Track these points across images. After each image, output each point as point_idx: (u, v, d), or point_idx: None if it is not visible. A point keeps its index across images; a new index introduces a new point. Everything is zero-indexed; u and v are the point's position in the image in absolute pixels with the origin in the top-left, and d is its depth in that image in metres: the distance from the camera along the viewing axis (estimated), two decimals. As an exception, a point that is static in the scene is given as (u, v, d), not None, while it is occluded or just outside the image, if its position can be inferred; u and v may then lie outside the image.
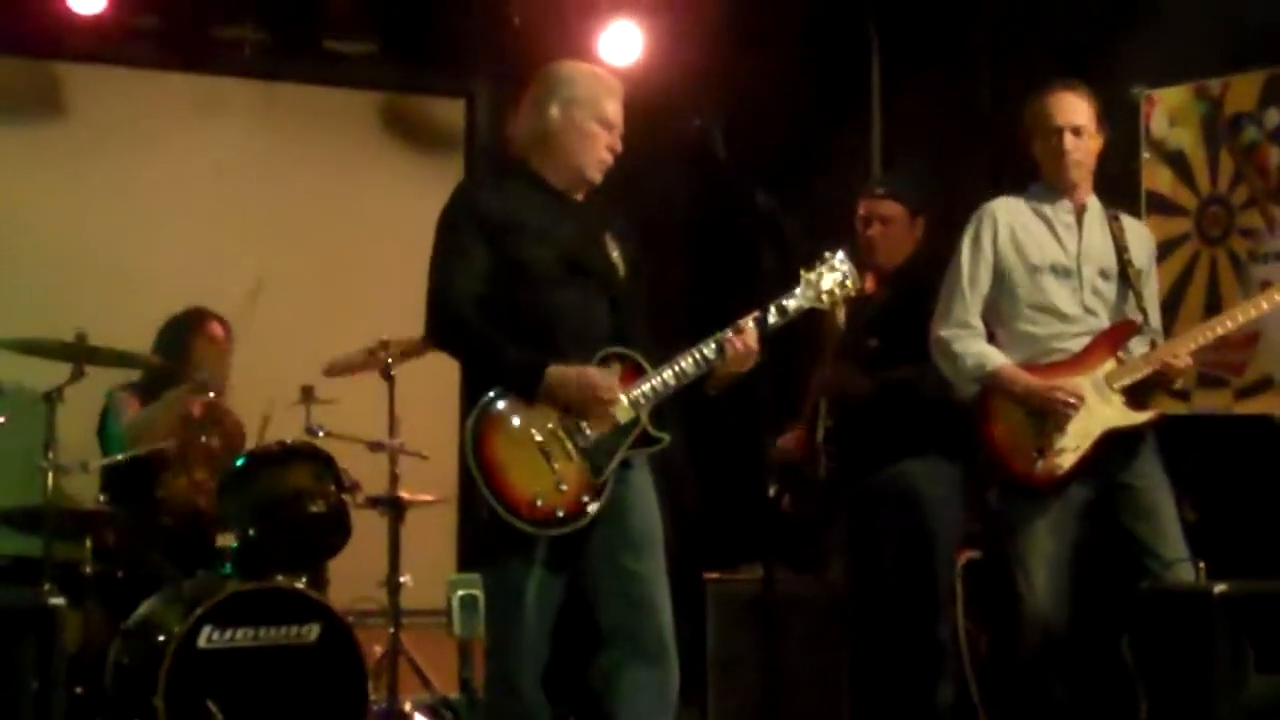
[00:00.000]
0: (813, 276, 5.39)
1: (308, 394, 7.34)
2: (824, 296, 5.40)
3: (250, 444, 7.29)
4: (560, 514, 5.07)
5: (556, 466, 5.08)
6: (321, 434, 7.23)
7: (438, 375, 7.37)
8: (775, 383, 5.53)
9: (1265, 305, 5.92)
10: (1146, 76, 7.23)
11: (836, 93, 8.80)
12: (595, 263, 5.26)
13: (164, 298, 7.77)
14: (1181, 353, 5.85)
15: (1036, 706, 5.95)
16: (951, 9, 8.22)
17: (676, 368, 5.20)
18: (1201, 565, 5.69)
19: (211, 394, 7.34)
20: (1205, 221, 7.13)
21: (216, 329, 7.59)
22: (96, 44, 8.39)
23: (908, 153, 8.38)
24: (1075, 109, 5.92)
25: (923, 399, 6.42)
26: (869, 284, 6.69)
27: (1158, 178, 7.22)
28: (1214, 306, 6.98)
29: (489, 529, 5.09)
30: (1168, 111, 7.27)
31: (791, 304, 5.36)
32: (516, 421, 5.09)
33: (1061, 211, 5.99)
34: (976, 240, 6.03)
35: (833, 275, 5.41)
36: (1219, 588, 5.35)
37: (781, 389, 6.31)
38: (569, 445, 5.10)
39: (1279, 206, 6.89)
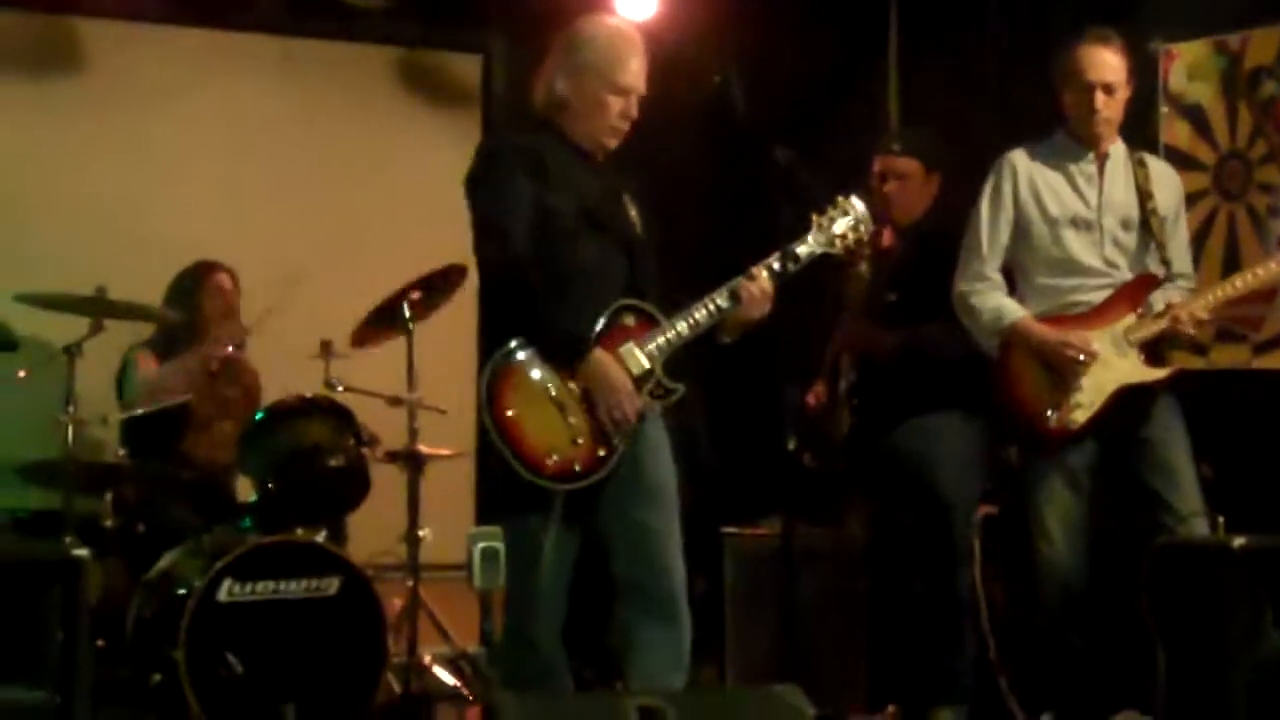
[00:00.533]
0: (824, 221, 5.41)
1: (326, 348, 7.33)
2: (836, 241, 5.40)
3: (268, 398, 7.32)
4: (576, 468, 5.11)
5: (571, 421, 5.11)
6: (340, 388, 7.24)
7: (455, 330, 7.41)
8: (794, 336, 5.54)
9: (1278, 269, 5.93)
10: (1165, 31, 7.21)
11: (854, 48, 8.77)
12: (615, 219, 5.30)
13: (182, 252, 7.78)
14: (1197, 312, 5.84)
15: (1054, 661, 5.98)
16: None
17: (690, 318, 5.23)
18: (1220, 520, 5.70)
19: (231, 348, 7.36)
20: (1224, 176, 7.11)
21: (224, 280, 7.60)
22: (115, 0, 8.38)
23: (925, 108, 8.36)
24: (1108, 65, 5.90)
25: (944, 355, 6.42)
26: (886, 239, 6.70)
27: (1176, 132, 7.21)
28: (1232, 261, 6.98)
29: (504, 484, 5.11)
30: (1186, 66, 7.25)
31: (803, 249, 5.37)
32: (532, 376, 5.12)
33: (1083, 163, 5.99)
34: (996, 192, 6.04)
35: (845, 220, 5.41)
36: (1237, 541, 5.35)
37: (800, 342, 6.33)
38: (583, 400, 5.12)
39: (1298, 161, 6.89)
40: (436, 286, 7.19)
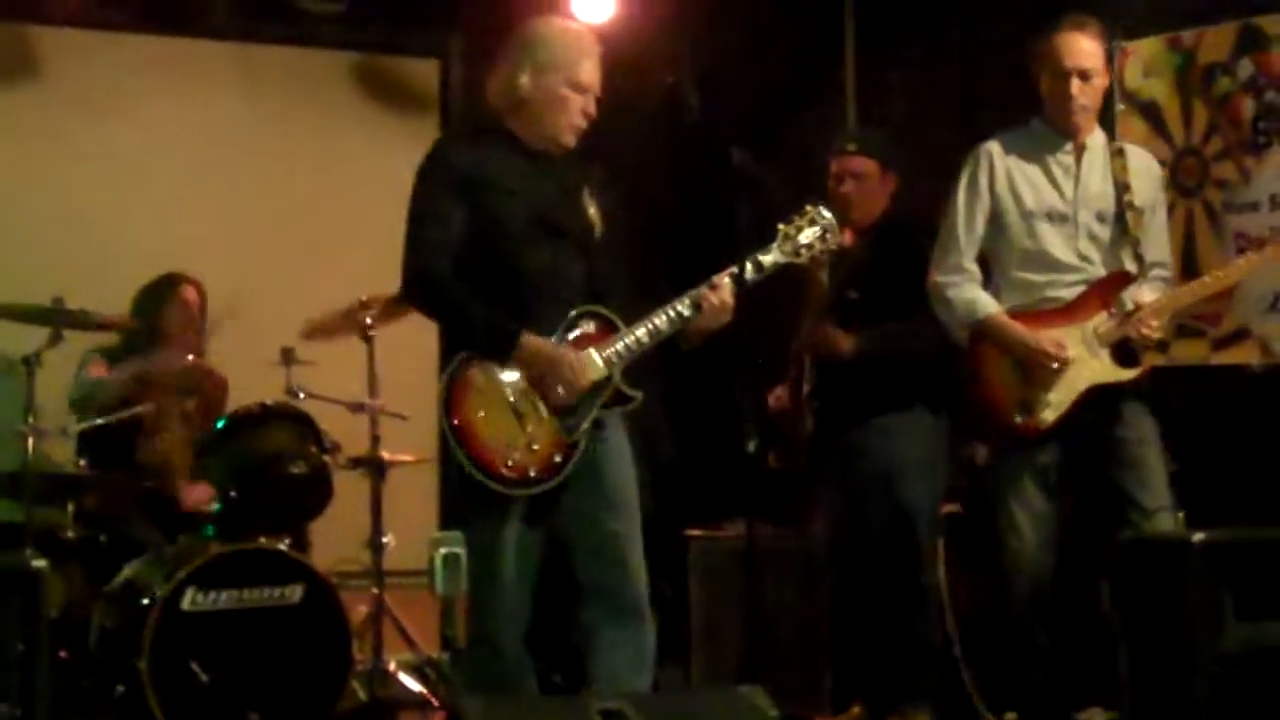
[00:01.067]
0: (791, 230, 5.40)
1: (288, 355, 7.31)
2: (802, 251, 5.40)
3: (231, 405, 7.30)
4: (532, 473, 5.11)
5: (529, 427, 5.11)
6: (302, 395, 7.23)
7: (417, 336, 7.35)
8: (753, 338, 5.54)
9: (1237, 271, 5.95)
10: (1119, 28, 7.21)
11: (811, 49, 8.78)
12: (569, 221, 5.28)
13: (142, 261, 7.77)
14: (1154, 323, 5.84)
15: (1020, 657, 5.98)
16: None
17: (650, 325, 5.22)
18: (1180, 515, 5.71)
19: (190, 356, 7.36)
20: (1180, 173, 7.14)
21: (190, 293, 7.59)
22: (71, 7, 8.36)
23: (882, 108, 8.37)
24: (1085, 52, 5.86)
25: (905, 352, 6.43)
26: (845, 239, 6.70)
27: (1132, 129, 7.22)
28: (1190, 257, 7.00)
29: (463, 490, 5.12)
30: (1141, 63, 7.28)
31: (768, 259, 5.36)
32: (489, 381, 5.12)
33: (1061, 153, 5.96)
34: (973, 183, 6.00)
35: (812, 230, 5.41)
36: (1197, 536, 5.35)
37: (761, 344, 6.33)
38: (541, 405, 5.13)
39: (1253, 157, 6.90)
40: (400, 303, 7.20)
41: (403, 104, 9.37)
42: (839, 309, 6.68)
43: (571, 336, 5.21)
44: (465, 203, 5.16)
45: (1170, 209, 6.91)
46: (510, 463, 5.08)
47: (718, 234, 5.45)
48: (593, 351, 5.19)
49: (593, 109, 5.33)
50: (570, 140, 5.33)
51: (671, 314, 5.23)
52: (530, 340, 5.10)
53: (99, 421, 7.04)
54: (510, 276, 5.17)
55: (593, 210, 5.35)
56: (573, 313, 5.21)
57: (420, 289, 5.23)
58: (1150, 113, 7.21)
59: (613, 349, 5.20)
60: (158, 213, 8.49)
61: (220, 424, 6.93)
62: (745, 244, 5.40)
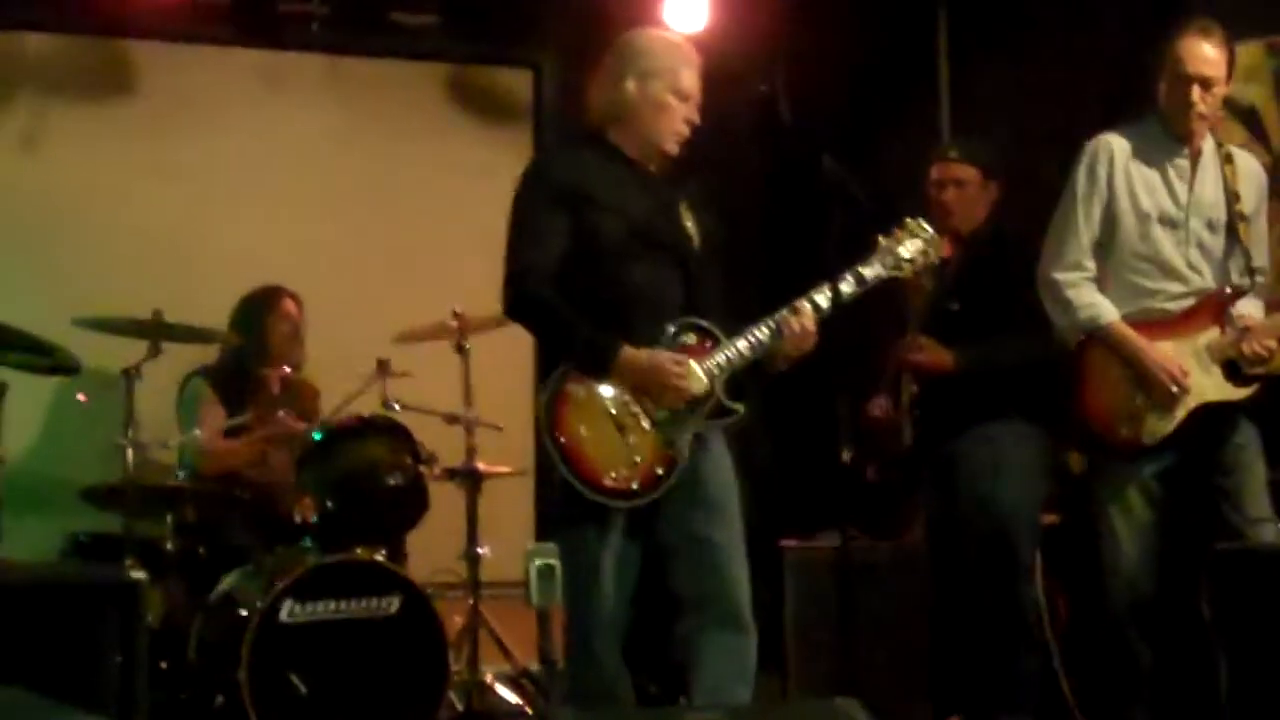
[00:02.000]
0: (891, 243, 5.40)
1: (383, 367, 7.35)
2: (904, 265, 5.40)
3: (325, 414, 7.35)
4: (635, 486, 5.11)
5: (631, 439, 5.11)
6: (397, 407, 7.26)
7: (512, 347, 7.40)
8: (849, 348, 5.51)
9: None
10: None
11: (904, 57, 8.76)
12: (668, 235, 5.29)
13: (236, 274, 7.84)
14: (1270, 342, 5.74)
15: (1122, 671, 5.92)
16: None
17: (751, 338, 5.22)
18: (1284, 526, 5.66)
19: (288, 368, 7.42)
20: (1278, 178, 7.07)
21: (290, 306, 7.65)
22: (164, 21, 8.41)
23: (976, 117, 8.33)
24: (1207, 59, 5.77)
25: (1007, 367, 6.38)
26: (945, 248, 6.66)
27: (1231, 135, 7.13)
28: (1289, 263, 6.94)
29: (564, 502, 5.12)
30: (1240, 68, 7.16)
31: (869, 272, 5.35)
32: (590, 395, 5.12)
33: (1177, 158, 5.88)
34: (1092, 175, 5.92)
35: (913, 243, 5.41)
36: (1301, 549, 5.33)
37: (857, 354, 6.31)
38: (642, 417, 5.13)
39: (1352, 163, 6.84)
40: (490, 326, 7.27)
41: (496, 115, 9.40)
42: (939, 319, 6.63)
43: (673, 348, 5.19)
44: (566, 217, 5.17)
45: (1269, 216, 6.85)
46: (613, 475, 5.08)
47: (809, 243, 5.42)
48: (693, 363, 5.18)
49: (695, 117, 5.35)
50: (674, 147, 5.35)
51: (771, 325, 5.22)
52: (629, 352, 5.10)
53: (198, 433, 7.10)
54: (610, 291, 5.18)
55: (690, 224, 5.36)
56: (673, 325, 5.20)
57: (520, 303, 5.24)
58: (1249, 118, 7.14)
59: (714, 361, 5.20)
60: (253, 226, 8.55)
61: (317, 436, 6.95)
62: (836, 253, 5.37)
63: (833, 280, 5.27)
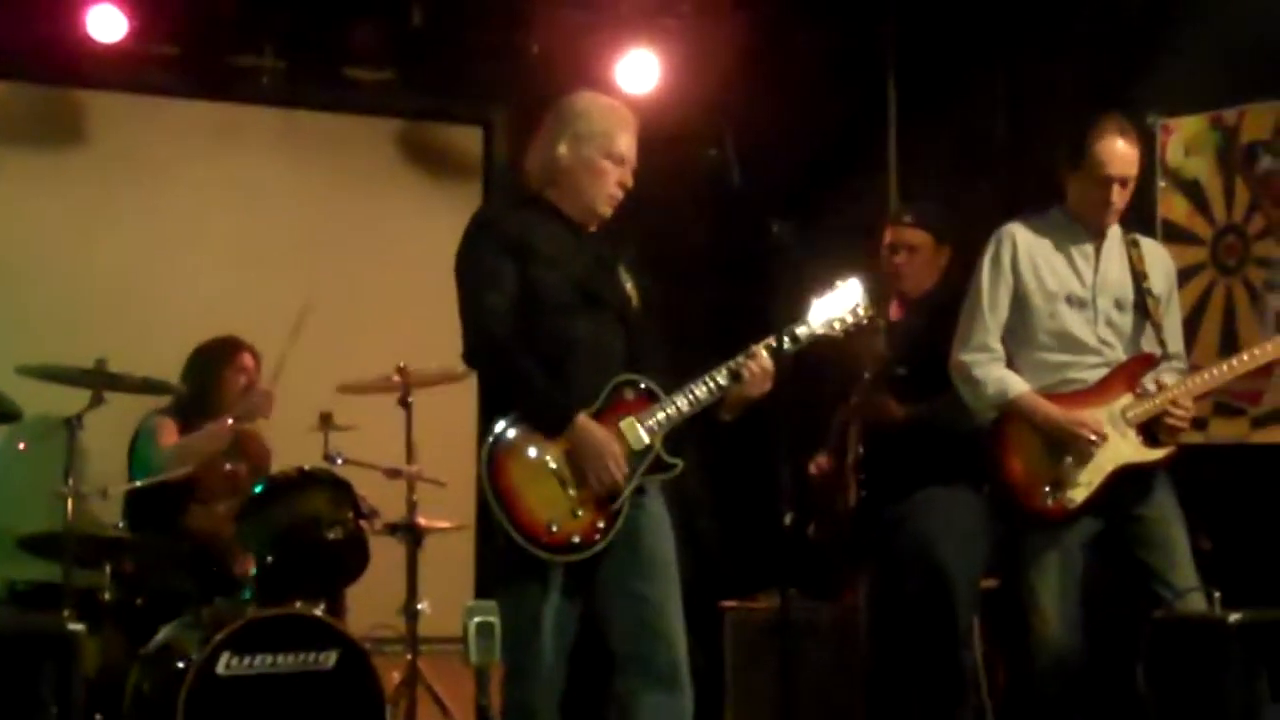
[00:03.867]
0: (823, 303, 5.44)
1: (326, 420, 7.35)
2: (835, 323, 5.45)
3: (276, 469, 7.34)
4: (575, 540, 5.12)
5: (571, 493, 5.12)
6: (340, 460, 7.24)
7: (455, 402, 7.40)
8: (792, 410, 5.55)
9: (1275, 349, 5.94)
10: (1162, 105, 7.24)
11: (853, 124, 8.81)
12: (609, 291, 5.32)
13: (184, 324, 7.84)
14: (1192, 392, 5.85)
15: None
16: (968, 40, 8.23)
17: (690, 394, 5.25)
18: (1216, 595, 5.69)
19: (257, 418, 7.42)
20: (1221, 251, 7.14)
21: (248, 359, 7.63)
22: (117, 72, 8.41)
23: (924, 184, 8.39)
24: (1126, 159, 5.86)
25: (954, 429, 6.40)
26: (894, 312, 6.70)
27: (1173, 207, 7.23)
28: (1230, 336, 7.01)
29: (505, 555, 5.12)
30: (1183, 140, 7.29)
31: (803, 330, 5.41)
32: (532, 448, 5.14)
33: (1082, 243, 5.97)
34: (996, 262, 6.01)
35: (844, 302, 5.44)
36: (1234, 616, 5.35)
37: (799, 415, 6.33)
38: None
39: (1294, 235, 6.90)
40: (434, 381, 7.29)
41: (446, 171, 9.43)
42: (887, 382, 6.67)
43: (612, 404, 5.21)
44: (513, 266, 5.19)
45: (1210, 287, 6.93)
46: (553, 529, 5.09)
47: (757, 307, 5.45)
48: (634, 420, 5.20)
49: (629, 181, 5.38)
50: (606, 211, 5.38)
51: (711, 383, 5.26)
52: (583, 422, 5.12)
53: (139, 483, 7.08)
54: (553, 344, 5.19)
55: (630, 284, 5.40)
56: (614, 381, 5.22)
57: (484, 355, 5.24)
58: (1192, 190, 7.21)
59: (654, 418, 5.22)
60: (201, 277, 8.55)
61: (258, 489, 6.94)
62: (785, 317, 5.41)
63: (770, 339, 5.31)
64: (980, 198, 7.99)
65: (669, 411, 5.23)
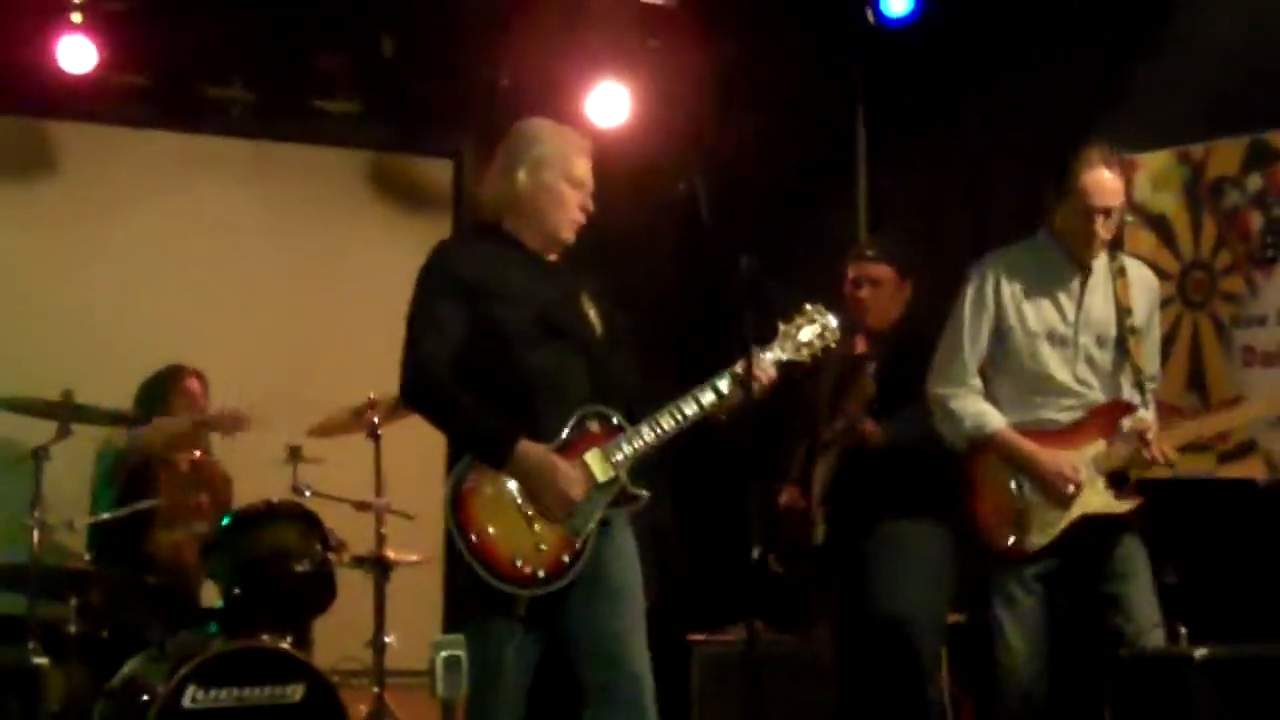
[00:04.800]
0: (791, 329, 5.40)
1: (294, 453, 7.35)
2: (802, 349, 5.41)
3: (237, 502, 7.31)
4: (540, 574, 5.08)
5: (536, 527, 5.08)
6: (308, 493, 7.24)
7: (424, 435, 7.35)
8: (760, 445, 5.54)
9: (1263, 407, 5.95)
10: (1129, 141, 7.25)
11: (823, 158, 8.84)
12: (570, 323, 5.26)
13: (152, 356, 7.79)
14: (1170, 452, 5.79)
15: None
16: (938, 75, 8.26)
17: (656, 425, 5.21)
18: (1183, 630, 5.69)
19: (197, 452, 7.39)
20: (1188, 286, 7.16)
21: (193, 384, 7.61)
22: (86, 103, 8.43)
23: (893, 218, 8.42)
24: (1111, 190, 5.81)
25: (917, 460, 6.40)
26: (859, 345, 6.70)
27: (1141, 242, 7.25)
28: (1198, 370, 7.03)
29: (471, 590, 5.10)
30: (1151, 176, 7.31)
31: (769, 357, 5.35)
32: (496, 482, 5.10)
33: (1067, 277, 5.93)
34: (979, 295, 5.97)
35: (811, 328, 5.42)
36: (1199, 652, 5.35)
37: (767, 451, 6.33)
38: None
39: (1261, 271, 6.92)
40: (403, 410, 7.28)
41: (416, 203, 9.45)
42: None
43: (577, 436, 5.17)
44: (466, 307, 5.14)
45: (1177, 322, 6.94)
46: (518, 563, 5.05)
47: (724, 342, 5.45)
48: (598, 452, 5.17)
49: (590, 205, 5.33)
50: (569, 236, 5.33)
51: (676, 414, 5.21)
52: (525, 449, 5.07)
53: (105, 516, 7.07)
54: (514, 379, 5.15)
55: (593, 313, 5.34)
56: (578, 413, 5.18)
57: (416, 392, 5.22)
58: (1159, 225, 7.23)
59: (619, 449, 5.18)
60: (169, 308, 8.55)
61: (226, 521, 6.93)
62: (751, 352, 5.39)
63: (734, 365, 5.28)
64: (949, 230, 8.02)
65: (635, 443, 5.20)
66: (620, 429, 5.23)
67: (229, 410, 7.32)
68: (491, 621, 5.11)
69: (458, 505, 5.08)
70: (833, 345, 5.51)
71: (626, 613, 5.25)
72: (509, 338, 5.15)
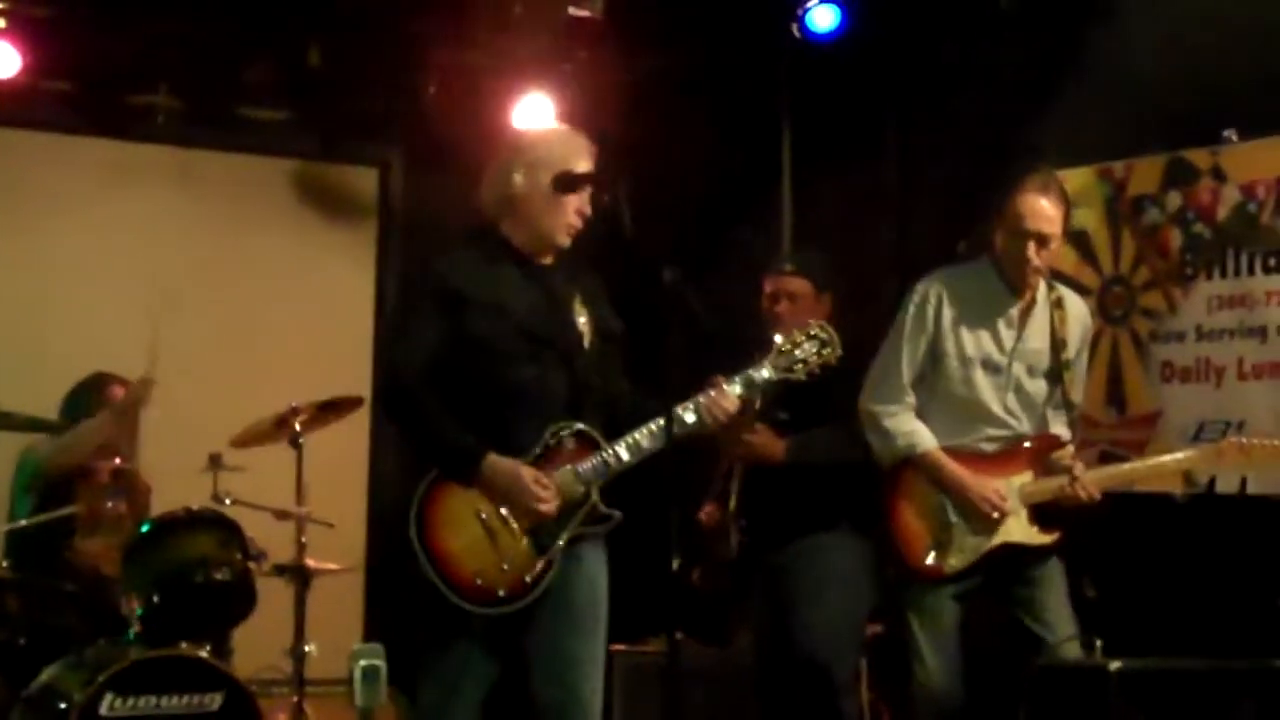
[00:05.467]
0: (786, 345, 5.37)
1: (215, 461, 7.33)
2: (797, 366, 5.36)
3: (157, 509, 7.28)
4: (501, 593, 5.01)
5: (501, 544, 5.01)
6: (228, 501, 7.22)
7: (346, 444, 7.40)
8: (683, 456, 5.53)
9: (1199, 459, 6.01)
10: (1051, 158, 7.31)
11: (747, 171, 8.87)
12: (555, 332, 5.17)
13: (75, 363, 7.74)
14: (1097, 493, 5.83)
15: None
16: (863, 93, 8.30)
17: (631, 441, 5.12)
18: (1098, 643, 5.73)
19: (119, 459, 7.35)
20: (1108, 301, 7.21)
21: (119, 392, 7.57)
22: (10, 107, 8.38)
23: (817, 231, 8.44)
24: (1047, 217, 5.81)
25: (833, 472, 6.42)
26: (775, 360, 6.70)
27: (1062, 257, 7.22)
28: (1117, 384, 7.08)
29: (428, 604, 5.01)
30: (1072, 192, 7.30)
31: (760, 374, 5.32)
32: (461, 497, 5.02)
33: (1008, 306, 5.95)
34: (920, 314, 5.99)
35: (810, 344, 5.38)
36: (1115, 664, 5.39)
37: (690, 461, 6.34)
38: (514, 524, 5.03)
39: (1180, 288, 6.97)
40: (330, 410, 7.25)
41: (342, 212, 9.43)
42: (770, 427, 6.67)
43: (551, 452, 5.10)
44: (448, 318, 5.06)
45: (1097, 337, 6.98)
46: (478, 581, 4.98)
47: (648, 356, 5.43)
48: (569, 469, 5.10)
49: (588, 209, 5.25)
50: (565, 240, 5.26)
51: (654, 430, 5.10)
52: (493, 461, 5.00)
53: (23, 523, 7.02)
54: (492, 392, 5.08)
55: (584, 320, 5.26)
56: (551, 429, 5.10)
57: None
58: (1080, 241, 7.27)
59: (591, 466, 5.11)
60: (91, 314, 8.51)
61: (145, 528, 6.89)
62: (675, 365, 5.37)
63: (723, 381, 5.24)
64: (872, 244, 8.05)
65: (608, 459, 5.11)
66: (596, 445, 5.14)
67: (134, 386, 7.29)
68: (449, 638, 5.05)
69: (421, 518, 5.00)
70: (833, 363, 5.44)
71: (588, 638, 5.18)
72: (490, 350, 5.07)
